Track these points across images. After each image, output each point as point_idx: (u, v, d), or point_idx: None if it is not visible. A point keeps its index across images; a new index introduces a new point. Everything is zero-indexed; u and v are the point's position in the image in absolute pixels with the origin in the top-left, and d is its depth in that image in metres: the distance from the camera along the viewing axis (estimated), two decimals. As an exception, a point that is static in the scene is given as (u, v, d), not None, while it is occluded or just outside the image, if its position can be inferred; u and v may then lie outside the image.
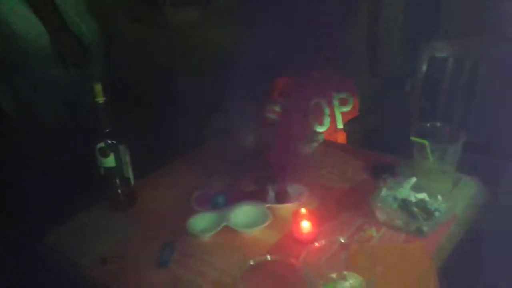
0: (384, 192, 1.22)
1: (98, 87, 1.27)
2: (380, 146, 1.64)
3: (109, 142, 1.30)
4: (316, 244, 0.98)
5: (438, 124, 1.29)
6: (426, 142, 1.21)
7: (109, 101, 1.30)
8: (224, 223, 1.22)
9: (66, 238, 1.28)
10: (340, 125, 2.66)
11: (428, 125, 1.29)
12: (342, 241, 0.97)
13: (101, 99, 1.28)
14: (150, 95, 2.24)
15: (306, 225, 1.15)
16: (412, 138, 1.23)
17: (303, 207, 1.20)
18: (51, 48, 1.90)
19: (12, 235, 1.62)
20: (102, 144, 1.30)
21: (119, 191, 1.35)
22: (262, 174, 1.42)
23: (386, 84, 2.51)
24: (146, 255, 1.17)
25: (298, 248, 1.11)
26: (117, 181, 1.34)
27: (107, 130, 1.31)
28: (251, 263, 0.97)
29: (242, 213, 1.27)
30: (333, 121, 2.68)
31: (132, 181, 1.42)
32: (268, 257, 1.00)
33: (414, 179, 1.22)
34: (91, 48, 2.03)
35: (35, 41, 1.89)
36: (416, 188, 1.21)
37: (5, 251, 1.70)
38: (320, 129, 2.28)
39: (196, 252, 1.18)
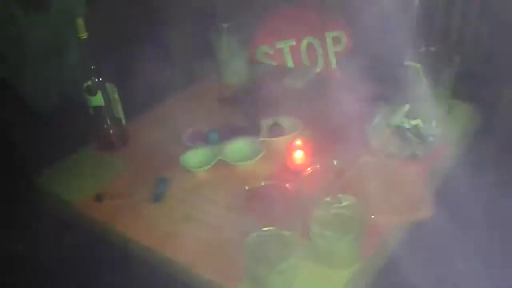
0: (378, 119, 1.20)
1: (80, 22, 1.22)
2: (374, 78, 1.60)
3: (95, 79, 1.27)
4: (309, 169, 0.97)
5: (432, 48, 1.26)
6: (418, 65, 1.18)
7: (92, 37, 1.25)
8: (218, 157, 1.22)
9: (58, 179, 1.27)
10: (334, 65, 2.63)
11: (422, 49, 1.26)
12: (335, 163, 0.96)
13: (83, 35, 1.23)
14: (135, 32, 2.17)
15: (300, 155, 1.15)
16: (405, 61, 1.20)
17: (298, 138, 1.19)
18: None
19: (4, 182, 1.61)
20: (89, 82, 1.27)
21: (111, 130, 1.33)
22: (254, 109, 1.40)
23: (378, 17, 2.44)
24: (141, 191, 1.16)
25: (293, 178, 1.11)
26: (108, 120, 1.32)
27: (93, 67, 1.27)
28: (246, 188, 0.97)
29: (236, 148, 1.26)
30: (327, 60, 2.64)
31: (123, 120, 1.39)
32: (262, 183, 0.99)
33: (407, 106, 1.20)
34: None
35: None
36: (411, 115, 1.19)
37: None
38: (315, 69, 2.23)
39: (191, 186, 1.18)
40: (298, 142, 1.17)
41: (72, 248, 1.31)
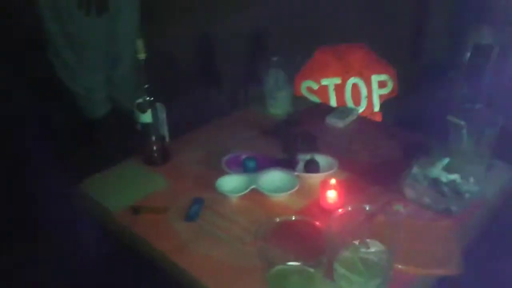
0: (415, 169, 1.21)
1: (140, 43, 1.30)
2: (416, 129, 1.61)
3: (147, 98, 1.34)
4: (340, 210, 0.98)
5: (477, 106, 1.26)
6: (462, 123, 1.19)
7: (149, 58, 1.33)
8: (253, 186, 1.25)
9: (100, 187, 1.34)
10: (377, 108, 2.64)
11: (467, 106, 1.27)
12: (368, 208, 0.97)
13: (142, 55, 1.31)
14: (187, 58, 2.26)
15: (332, 194, 1.16)
16: (449, 117, 1.21)
17: (332, 178, 1.21)
18: None
19: (49, 183, 1.69)
20: (140, 100, 1.34)
21: (154, 147, 1.40)
22: (293, 143, 1.44)
23: (426, 68, 2.46)
24: (176, 208, 1.21)
25: (324, 215, 1.13)
26: (153, 137, 1.39)
27: (146, 86, 1.34)
28: (277, 220, 0.99)
29: (271, 178, 1.29)
30: (370, 103, 2.66)
31: (167, 139, 1.45)
32: (293, 217, 1.02)
33: (447, 160, 1.21)
34: None
35: None
36: (449, 169, 1.19)
37: (42, 198, 1.78)
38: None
39: (224, 210, 1.21)
40: (333, 181, 1.19)
41: (103, 254, 1.37)
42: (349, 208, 0.98)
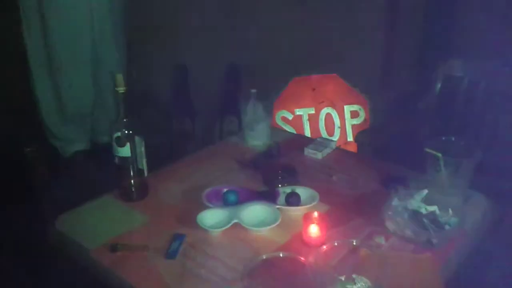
0: (395, 202, 1.22)
1: (120, 77, 1.29)
2: (391, 159, 1.64)
3: (126, 132, 1.32)
4: (325, 246, 0.98)
5: (453, 138, 1.30)
6: (439, 155, 1.22)
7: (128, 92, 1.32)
8: (235, 220, 1.23)
9: (76, 224, 1.29)
10: (350, 138, 2.68)
11: (443, 138, 1.30)
12: (355, 243, 0.97)
13: (121, 89, 1.30)
14: (163, 91, 2.26)
15: (315, 229, 1.16)
16: (427, 149, 1.23)
17: (313, 210, 1.21)
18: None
19: (23, 221, 1.63)
20: (119, 134, 1.32)
21: (132, 181, 1.37)
22: (273, 175, 1.43)
23: (397, 99, 2.53)
24: (155, 245, 1.18)
25: (307, 250, 1.12)
26: (131, 171, 1.36)
27: (125, 120, 1.32)
28: (264, 257, 0.98)
29: (253, 212, 1.28)
30: (343, 133, 2.70)
31: (146, 173, 1.43)
32: (281, 254, 1.01)
33: (425, 191, 1.23)
34: None
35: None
36: (427, 201, 1.22)
37: (16, 236, 1.71)
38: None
39: (205, 246, 1.19)
40: (315, 215, 1.19)
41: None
42: (335, 244, 0.98)
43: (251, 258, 1.08)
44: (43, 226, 1.28)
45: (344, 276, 0.94)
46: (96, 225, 1.28)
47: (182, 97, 2.25)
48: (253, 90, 1.69)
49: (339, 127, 2.70)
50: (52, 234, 1.28)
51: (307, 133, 2.66)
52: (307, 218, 1.19)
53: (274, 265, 1.00)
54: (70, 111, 2.20)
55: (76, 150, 2.06)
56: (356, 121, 2.72)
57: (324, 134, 2.67)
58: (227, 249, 1.17)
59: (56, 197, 1.34)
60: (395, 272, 1.00)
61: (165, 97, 2.23)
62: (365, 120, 2.69)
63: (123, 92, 1.29)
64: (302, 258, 0.99)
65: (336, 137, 2.68)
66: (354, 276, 0.93)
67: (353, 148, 2.46)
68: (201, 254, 1.15)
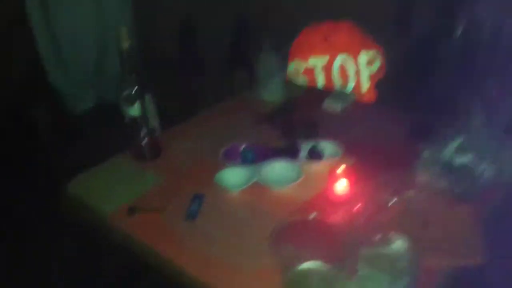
0: (426, 153, 1.14)
1: (124, 30, 1.19)
2: (415, 109, 1.55)
3: (135, 89, 1.23)
4: (357, 206, 0.91)
5: (488, 82, 1.20)
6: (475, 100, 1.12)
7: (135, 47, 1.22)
8: (255, 179, 1.17)
9: (89, 187, 1.23)
10: (366, 86, 2.57)
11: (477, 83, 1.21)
12: (387, 199, 0.90)
13: (126, 44, 1.20)
14: (175, 42, 2.15)
15: (343, 184, 1.09)
16: (461, 95, 1.14)
17: (340, 164, 1.13)
18: None
19: (35, 186, 1.58)
20: (128, 91, 1.23)
21: (144, 141, 1.29)
22: (291, 130, 1.36)
23: (415, 46, 2.40)
24: (174, 207, 1.12)
25: (333, 207, 1.06)
26: (142, 130, 1.28)
27: (133, 77, 1.23)
28: (291, 219, 0.92)
29: (273, 169, 1.22)
30: (358, 82, 2.59)
31: (158, 132, 1.35)
32: (312, 215, 0.94)
33: (459, 140, 1.14)
34: None
35: None
36: (462, 150, 1.13)
37: (29, 203, 1.67)
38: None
39: (226, 206, 1.13)
40: (341, 168, 1.11)
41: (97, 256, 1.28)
42: (366, 201, 0.91)
43: (274, 218, 1.02)
44: (54, 189, 1.22)
45: (379, 236, 0.88)
46: (111, 188, 1.22)
47: (191, 52, 2.14)
48: (266, 43, 1.58)
49: (354, 76, 2.59)
50: (64, 199, 1.22)
51: (320, 84, 2.55)
52: (333, 173, 1.11)
53: (303, 227, 0.93)
54: (72, 63, 2.10)
55: (83, 108, 1.99)
56: (372, 69, 2.60)
57: (338, 83, 2.56)
58: (248, 208, 1.12)
59: (65, 159, 1.28)
60: (431, 228, 0.94)
61: (172, 52, 2.12)
62: (380, 67, 2.57)
63: (127, 47, 1.20)
64: (331, 219, 0.92)
65: (351, 87, 2.57)
66: (389, 234, 0.87)
67: (370, 98, 2.36)
68: (219, 214, 1.10)
